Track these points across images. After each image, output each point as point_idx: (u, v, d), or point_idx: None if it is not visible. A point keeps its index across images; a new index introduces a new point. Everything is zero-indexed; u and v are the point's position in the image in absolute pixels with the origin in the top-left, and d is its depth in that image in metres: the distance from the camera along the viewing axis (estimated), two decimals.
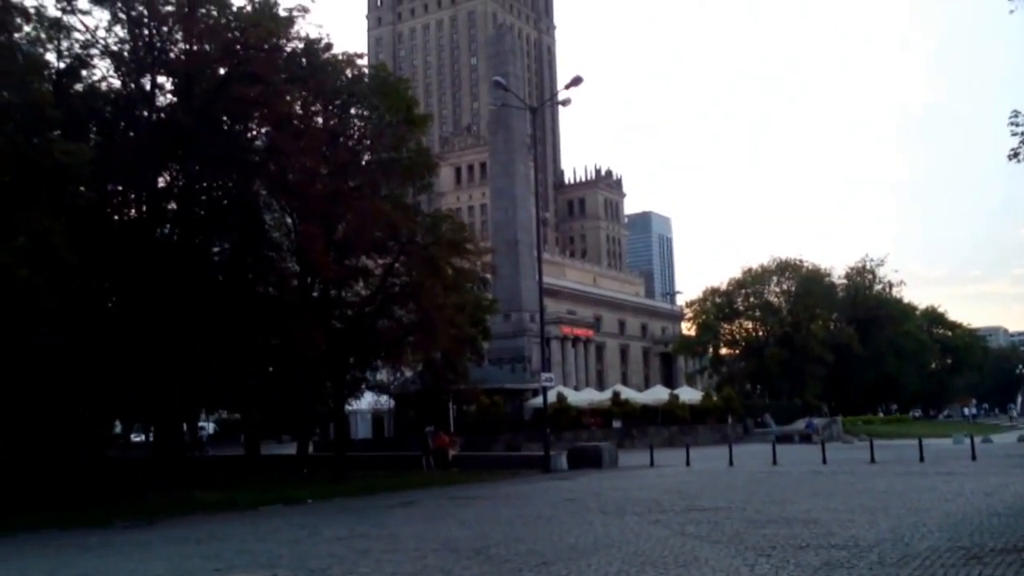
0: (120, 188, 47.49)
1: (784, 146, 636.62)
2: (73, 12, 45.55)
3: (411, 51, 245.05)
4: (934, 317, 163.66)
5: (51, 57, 45.42)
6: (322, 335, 46.81)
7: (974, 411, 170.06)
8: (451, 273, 53.50)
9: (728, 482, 36.16)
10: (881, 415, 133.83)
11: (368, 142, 54.88)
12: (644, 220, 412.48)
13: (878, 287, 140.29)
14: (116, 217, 48.22)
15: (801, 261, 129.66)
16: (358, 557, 18.55)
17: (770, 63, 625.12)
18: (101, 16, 47.03)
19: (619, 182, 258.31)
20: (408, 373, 62.97)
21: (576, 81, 51.10)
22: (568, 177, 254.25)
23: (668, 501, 27.90)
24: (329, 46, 51.32)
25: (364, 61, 55.21)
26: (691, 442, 67.11)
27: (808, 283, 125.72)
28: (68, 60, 46.11)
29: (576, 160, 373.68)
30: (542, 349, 59.19)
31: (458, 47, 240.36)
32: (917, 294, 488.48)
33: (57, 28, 44.88)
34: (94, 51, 47.01)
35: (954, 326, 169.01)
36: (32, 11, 44.05)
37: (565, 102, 56.62)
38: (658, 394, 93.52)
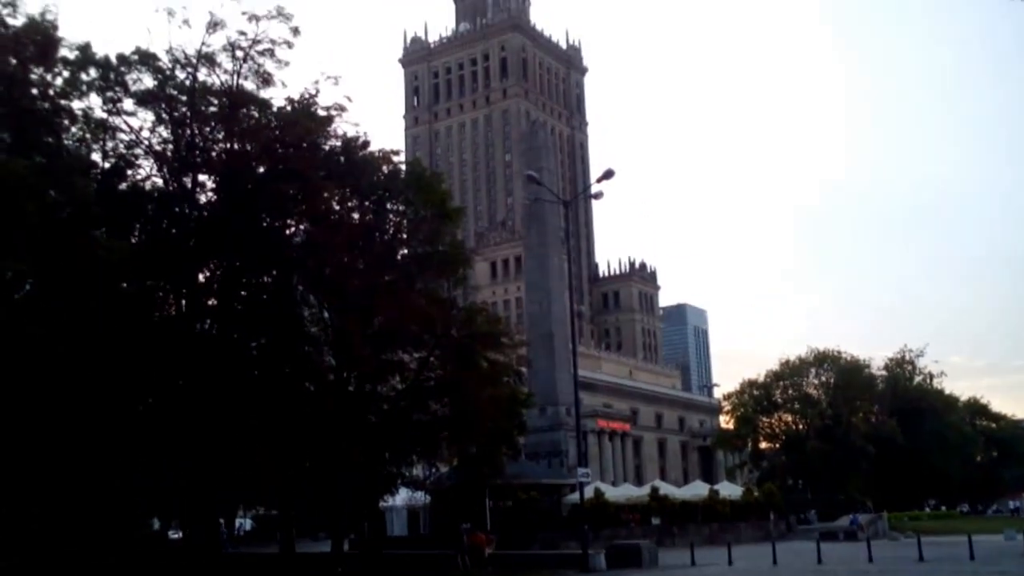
0: (161, 283, 47.91)
1: (819, 236, 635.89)
2: (118, 113, 46.78)
3: (447, 148, 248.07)
4: (977, 409, 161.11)
5: (97, 157, 46.57)
6: (358, 432, 46.68)
7: (1018, 504, 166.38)
8: (486, 367, 53.28)
9: None
10: (927, 510, 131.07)
11: (404, 236, 55.31)
12: (679, 312, 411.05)
13: (919, 378, 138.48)
14: (157, 313, 48.57)
15: (839, 352, 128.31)
16: None
17: (802, 155, 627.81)
18: (145, 117, 48.13)
19: (653, 274, 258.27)
20: (444, 468, 62.44)
21: (608, 175, 51.38)
22: (602, 270, 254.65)
23: None
24: (366, 144, 52.11)
25: (400, 157, 56.00)
26: (733, 540, 65.70)
27: (848, 375, 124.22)
28: (113, 159, 47.17)
29: (610, 253, 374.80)
30: (578, 443, 58.50)
31: (493, 144, 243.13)
32: (959, 385, 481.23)
33: (103, 129, 46.05)
34: (138, 151, 48.15)
35: (998, 417, 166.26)
36: (79, 113, 45.25)
37: (598, 195, 56.92)
38: (697, 489, 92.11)
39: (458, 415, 51.37)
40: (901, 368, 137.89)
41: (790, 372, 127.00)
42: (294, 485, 50.45)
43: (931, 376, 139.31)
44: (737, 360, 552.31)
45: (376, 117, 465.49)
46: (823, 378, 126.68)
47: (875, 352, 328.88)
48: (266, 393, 46.45)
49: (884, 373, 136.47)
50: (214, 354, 45.54)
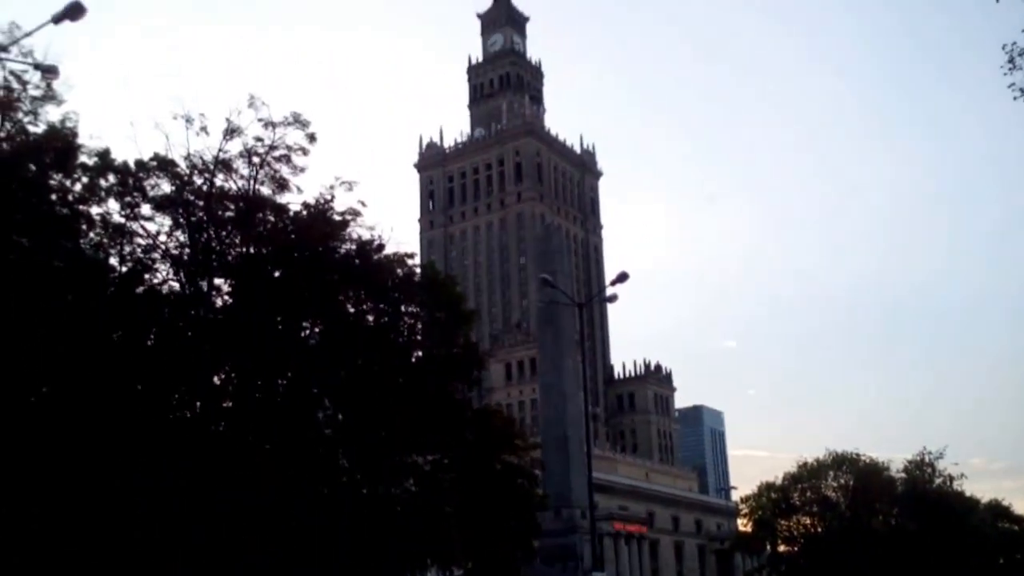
0: (175, 386, 48.14)
1: (837, 338, 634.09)
2: (136, 218, 47.52)
3: (462, 251, 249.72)
4: (999, 511, 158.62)
5: (114, 261, 47.14)
6: (372, 535, 46.45)
7: None
8: (500, 469, 53.20)
9: None
10: None
11: (418, 338, 55.64)
12: (695, 414, 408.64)
13: (939, 480, 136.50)
14: (171, 415, 48.72)
15: (858, 454, 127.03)
16: None
17: (819, 257, 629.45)
18: (163, 221, 48.87)
19: (669, 376, 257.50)
20: (458, 572, 61.86)
21: (622, 277, 51.72)
22: (618, 372, 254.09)
23: None
24: (381, 247, 52.75)
25: (415, 260, 56.56)
26: None
27: (867, 477, 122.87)
28: (130, 263, 47.76)
29: (625, 354, 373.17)
30: (593, 547, 57.98)
31: (507, 247, 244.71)
32: (979, 487, 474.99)
33: (121, 233, 46.78)
34: (155, 255, 48.73)
35: (1020, 520, 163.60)
36: (97, 218, 46.04)
37: (612, 298, 57.22)
38: None
39: (472, 518, 51.07)
40: (920, 470, 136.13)
41: (808, 474, 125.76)
42: None
43: (951, 478, 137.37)
44: (754, 462, 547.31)
45: (391, 218, 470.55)
46: (842, 480, 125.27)
47: (894, 454, 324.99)
48: (279, 495, 46.30)
49: (903, 475, 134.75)
50: (227, 455, 45.54)
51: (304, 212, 50.51)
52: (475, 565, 58.77)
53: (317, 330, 52.46)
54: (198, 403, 48.71)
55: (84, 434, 37.76)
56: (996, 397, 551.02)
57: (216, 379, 50.08)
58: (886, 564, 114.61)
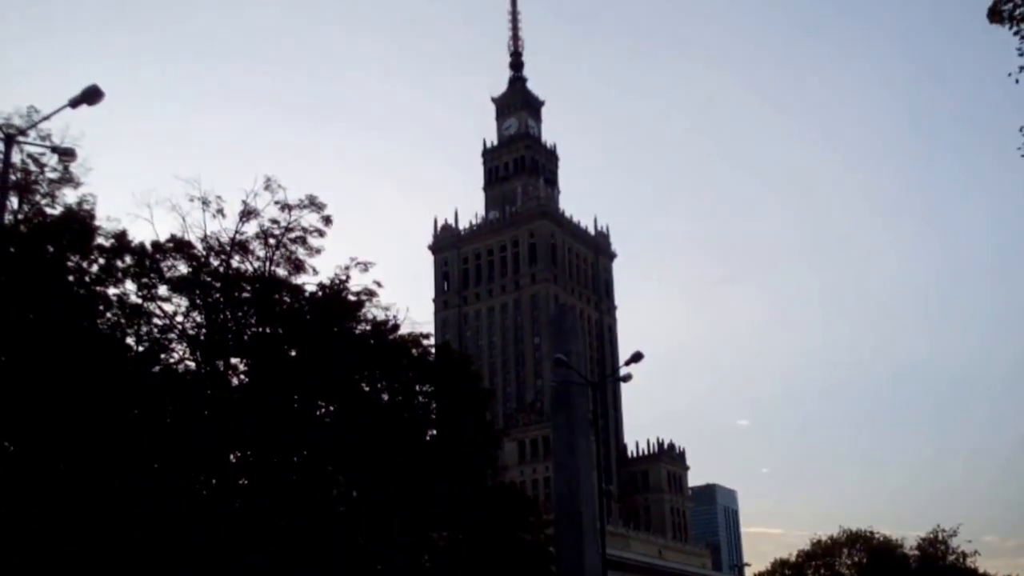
0: (192, 465, 48.51)
1: (847, 415, 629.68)
2: (153, 299, 48.28)
3: (476, 331, 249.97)
4: None
5: (131, 340, 47.73)
6: None
7: None
8: (513, 545, 53.22)
9: None
10: None
11: (433, 417, 56.00)
12: (708, 492, 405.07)
13: (952, 558, 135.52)
14: (187, 493, 49.01)
15: (872, 532, 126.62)
16: None
17: (826, 332, 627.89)
18: (179, 302, 49.57)
19: (682, 455, 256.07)
20: None
21: (636, 357, 52.11)
22: (631, 450, 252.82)
23: None
24: (396, 327, 53.41)
25: (430, 340, 57.10)
26: None
27: (880, 555, 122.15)
28: (147, 343, 48.35)
29: (639, 433, 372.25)
30: None
31: (522, 328, 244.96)
32: (994, 564, 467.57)
33: (137, 314, 47.46)
34: (172, 335, 49.38)
35: None
36: (114, 298, 46.73)
37: (626, 378, 57.56)
38: None
39: None
40: (934, 547, 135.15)
41: (822, 552, 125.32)
42: None
43: (964, 555, 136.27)
44: (768, 540, 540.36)
45: (406, 299, 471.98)
46: (855, 558, 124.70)
47: (908, 531, 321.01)
48: (295, 572, 46.47)
49: (917, 553, 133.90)
50: (244, 532, 45.74)
51: (320, 293, 51.30)
52: None
53: (332, 408, 52.87)
54: (214, 480, 49.02)
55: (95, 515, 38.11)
56: (1011, 474, 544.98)
57: (232, 457, 50.42)
58: None
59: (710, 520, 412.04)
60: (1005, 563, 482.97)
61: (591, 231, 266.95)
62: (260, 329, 50.63)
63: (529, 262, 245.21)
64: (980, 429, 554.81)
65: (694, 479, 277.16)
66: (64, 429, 39.07)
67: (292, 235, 50.98)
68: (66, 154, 38.70)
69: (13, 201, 42.62)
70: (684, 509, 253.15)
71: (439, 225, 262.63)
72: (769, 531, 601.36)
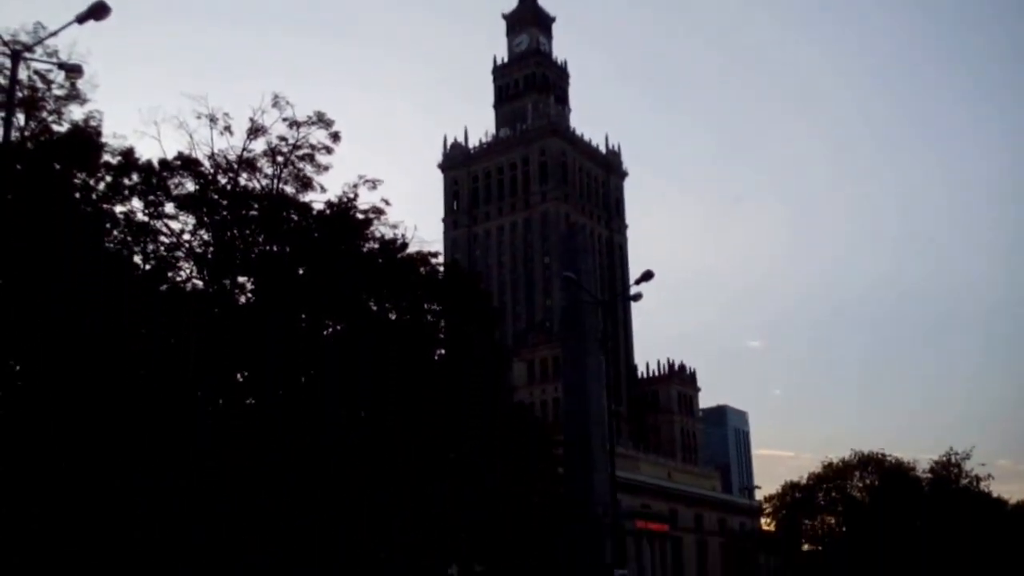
0: (197, 384, 48.38)
1: (863, 335, 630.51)
2: (160, 217, 47.84)
3: (485, 251, 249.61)
4: None
5: (137, 259, 47.41)
6: (398, 539, 46.62)
7: None
8: (525, 466, 53.27)
9: None
10: None
11: (442, 337, 55.72)
12: (719, 414, 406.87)
13: (965, 481, 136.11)
14: (191, 413, 48.98)
15: (884, 455, 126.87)
16: None
17: (843, 252, 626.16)
18: (187, 220, 49.15)
19: (693, 376, 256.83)
20: (479, 568, 61.95)
21: (647, 276, 51.79)
22: (641, 371, 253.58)
23: None
24: (404, 245, 52.91)
25: (438, 259, 56.65)
26: None
27: (892, 478, 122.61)
28: (153, 262, 48.04)
29: (649, 354, 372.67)
30: (615, 545, 58.07)
31: (531, 247, 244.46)
32: (1007, 488, 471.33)
33: (144, 232, 47.04)
34: (179, 253, 49.03)
35: None
36: (121, 216, 46.31)
37: (636, 297, 57.24)
38: None
39: (496, 515, 51.17)
40: (947, 471, 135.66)
41: (833, 475, 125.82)
42: None
43: (978, 479, 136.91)
44: (779, 462, 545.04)
45: (414, 218, 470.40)
46: (867, 481, 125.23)
47: (920, 454, 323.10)
48: (300, 497, 46.53)
49: (929, 476, 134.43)
50: (248, 454, 45.72)
51: (328, 211, 50.78)
52: (497, 564, 58.89)
53: (340, 328, 52.63)
54: (220, 399, 48.99)
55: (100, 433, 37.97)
56: None
57: (239, 376, 50.36)
58: (911, 565, 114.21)
59: (720, 442, 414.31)
60: (1020, 487, 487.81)
61: (602, 149, 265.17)
62: (267, 247, 50.23)
63: (539, 180, 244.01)
64: (999, 352, 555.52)
65: (705, 401, 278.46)
66: (72, 348, 38.83)
67: (300, 152, 50.38)
68: (73, 71, 38.29)
69: (19, 118, 42.19)
70: (694, 431, 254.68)
71: (449, 143, 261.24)
72: (780, 454, 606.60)
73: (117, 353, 39.07)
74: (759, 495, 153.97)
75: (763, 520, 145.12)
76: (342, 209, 50.73)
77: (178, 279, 49.56)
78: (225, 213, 48.91)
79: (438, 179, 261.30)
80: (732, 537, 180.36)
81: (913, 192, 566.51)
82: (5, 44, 37.73)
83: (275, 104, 48.95)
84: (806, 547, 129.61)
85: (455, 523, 53.24)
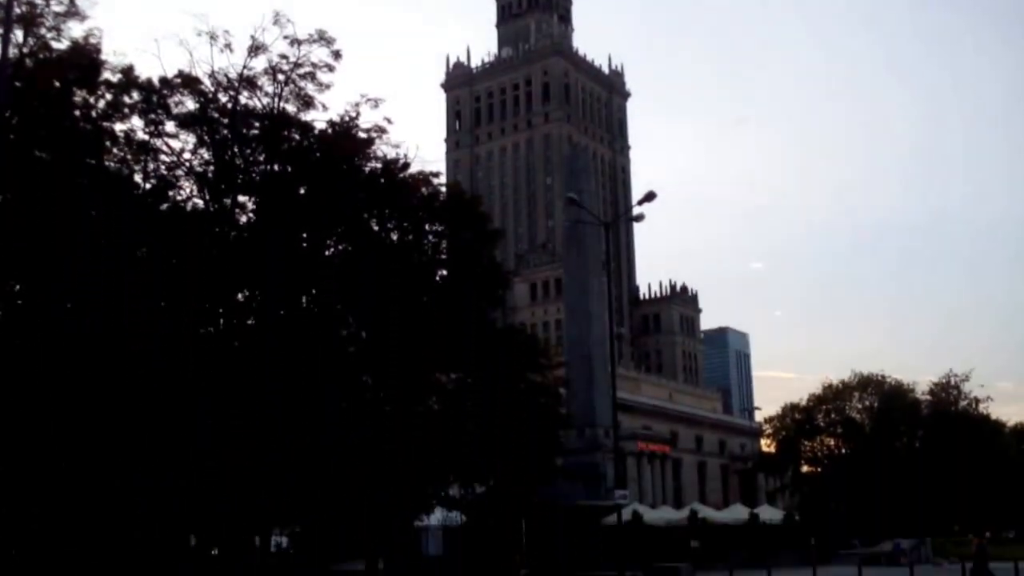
0: (199, 303, 48.33)
1: (864, 260, 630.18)
2: (160, 136, 47.42)
3: (488, 172, 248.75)
4: None
5: (138, 178, 47.15)
6: (394, 452, 46.83)
7: None
8: (524, 388, 53.34)
9: None
10: (972, 535, 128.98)
11: (443, 257, 55.55)
12: (721, 336, 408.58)
13: (964, 403, 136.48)
14: (195, 330, 48.99)
15: (883, 376, 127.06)
16: None
17: (848, 179, 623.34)
18: (187, 139, 48.71)
19: (695, 298, 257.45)
20: (480, 489, 62.46)
21: (649, 197, 51.52)
22: (643, 293, 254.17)
23: None
24: (406, 165, 52.47)
25: (440, 179, 56.22)
26: (772, 564, 65.37)
27: (891, 399, 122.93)
28: (154, 181, 47.78)
29: (651, 275, 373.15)
30: (616, 465, 58.55)
31: (534, 168, 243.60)
32: (1007, 411, 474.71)
33: (145, 151, 46.71)
34: (179, 172, 48.74)
35: None
36: (121, 135, 45.91)
37: (638, 218, 57.06)
38: (737, 513, 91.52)
39: (495, 436, 51.39)
40: (946, 393, 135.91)
41: (833, 396, 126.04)
42: (329, 504, 50.62)
43: (977, 401, 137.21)
44: (779, 385, 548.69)
45: (417, 138, 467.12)
46: (867, 402, 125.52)
47: (920, 377, 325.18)
48: (302, 411, 46.75)
49: (929, 398, 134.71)
50: (250, 371, 45.87)
51: (329, 130, 50.23)
52: (497, 482, 59.30)
53: (341, 248, 52.47)
54: (221, 320, 49.00)
55: (105, 348, 37.97)
56: None
57: (240, 296, 50.32)
58: (909, 486, 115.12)
59: (721, 364, 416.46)
60: (1018, 409, 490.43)
61: (605, 70, 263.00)
62: (268, 166, 49.83)
63: (542, 101, 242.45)
64: (1002, 276, 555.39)
65: (706, 322, 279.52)
66: (73, 266, 38.71)
67: (301, 71, 49.63)
68: None
69: (18, 34, 41.52)
70: (696, 352, 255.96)
71: (451, 63, 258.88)
72: (781, 375, 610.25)
73: (117, 350, 38.89)
74: (759, 416, 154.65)
75: (763, 441, 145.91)
76: (344, 128, 50.17)
77: (179, 198, 49.28)
78: (226, 132, 48.45)
79: (440, 101, 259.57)
80: (732, 458, 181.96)
81: (926, 116, 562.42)
82: None
83: (276, 22, 48.19)
84: (805, 468, 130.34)
85: (453, 443, 53.54)
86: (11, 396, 37.31)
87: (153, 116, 47.18)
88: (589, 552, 69.56)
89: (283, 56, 48.94)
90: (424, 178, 53.66)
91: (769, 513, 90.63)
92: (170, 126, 47.80)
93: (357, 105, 50.54)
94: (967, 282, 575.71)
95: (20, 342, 39.88)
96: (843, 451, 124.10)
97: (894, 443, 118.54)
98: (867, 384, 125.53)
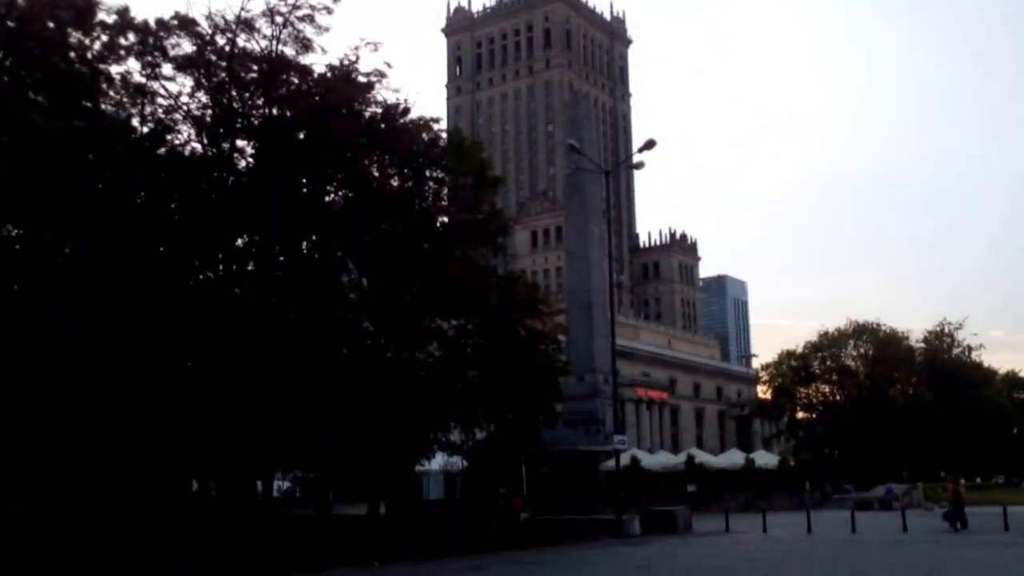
0: (198, 248, 48.18)
1: (863, 210, 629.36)
2: (157, 78, 46.90)
3: (488, 118, 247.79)
4: (1015, 382, 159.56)
5: (135, 121, 46.75)
6: (395, 397, 46.97)
7: None
8: (524, 334, 53.36)
9: (807, 551, 35.28)
10: (963, 481, 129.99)
11: (443, 204, 55.31)
12: (719, 284, 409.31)
13: (957, 351, 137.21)
14: (195, 276, 48.90)
15: (878, 324, 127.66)
16: None
17: (849, 128, 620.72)
18: (184, 82, 48.18)
19: (694, 246, 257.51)
20: (480, 434, 62.74)
21: (649, 144, 51.35)
22: (643, 240, 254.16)
23: (744, 571, 27.21)
24: (406, 111, 51.99)
25: (441, 125, 55.74)
26: (767, 507, 65.89)
27: (886, 347, 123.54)
28: (151, 124, 47.37)
29: (651, 223, 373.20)
30: (615, 411, 58.75)
31: (535, 115, 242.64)
32: (998, 359, 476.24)
33: (141, 93, 46.23)
34: (177, 116, 48.22)
35: None
36: (117, 77, 45.45)
37: (639, 165, 56.89)
38: (733, 458, 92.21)
39: (495, 382, 51.51)
40: (940, 340, 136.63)
41: (829, 343, 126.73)
42: (330, 448, 50.83)
43: (969, 349, 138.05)
44: (776, 332, 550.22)
45: (417, 86, 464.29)
46: (861, 350, 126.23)
47: (914, 325, 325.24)
48: (303, 357, 46.81)
49: (923, 345, 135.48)
50: (251, 317, 45.84)
51: (328, 74, 49.70)
52: (497, 428, 59.55)
53: (341, 194, 52.24)
54: (220, 266, 48.89)
55: (104, 294, 37.89)
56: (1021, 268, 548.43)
57: (239, 241, 50.16)
58: (902, 432, 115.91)
59: (720, 312, 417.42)
60: (1010, 357, 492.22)
61: (607, 16, 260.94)
62: (267, 111, 49.35)
63: (544, 47, 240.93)
64: (997, 225, 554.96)
65: (705, 271, 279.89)
66: (71, 210, 38.53)
67: (300, 13, 48.93)
68: None
69: None
70: (694, 300, 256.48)
71: (452, 8, 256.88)
72: (779, 323, 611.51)
73: (118, 299, 38.71)
74: (756, 364, 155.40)
75: (759, 388, 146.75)
76: (343, 72, 49.68)
77: (176, 142, 48.91)
78: (223, 75, 47.92)
79: (441, 47, 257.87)
80: (729, 405, 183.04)
81: (929, 53, 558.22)
82: None
83: None
84: (801, 415, 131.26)
85: (453, 389, 53.70)
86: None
87: (150, 58, 46.58)
88: (588, 496, 70.11)
89: None
90: (424, 124, 53.21)
91: (765, 459, 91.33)
92: (167, 69, 47.26)
93: (356, 49, 50.03)
94: (965, 231, 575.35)
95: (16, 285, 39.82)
96: (838, 398, 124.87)
97: (888, 390, 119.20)
98: (862, 332, 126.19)
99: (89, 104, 42.20)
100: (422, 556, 38.43)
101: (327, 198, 52.79)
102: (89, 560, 34.41)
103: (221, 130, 48.63)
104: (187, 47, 47.40)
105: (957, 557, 29.77)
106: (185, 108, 48.00)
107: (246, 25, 48.04)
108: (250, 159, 50.62)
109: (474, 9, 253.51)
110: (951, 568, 26.26)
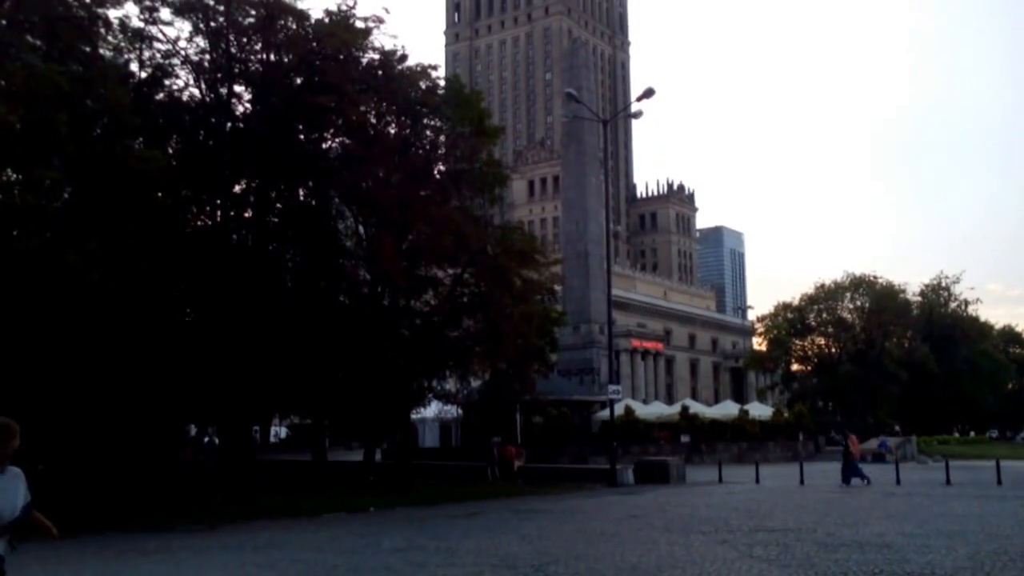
0: (196, 194, 48.09)
1: (861, 162, 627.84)
2: (155, 23, 46.51)
3: (487, 66, 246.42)
4: (1011, 336, 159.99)
5: (134, 67, 46.48)
6: (391, 344, 47.14)
7: None
8: (520, 284, 53.36)
9: (799, 501, 35.57)
10: (957, 435, 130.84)
11: (440, 152, 55.13)
12: (716, 235, 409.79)
13: (954, 305, 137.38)
14: (193, 223, 48.87)
15: (875, 277, 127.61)
16: (414, 570, 18.46)
17: (848, 79, 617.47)
18: (182, 27, 47.92)
19: (691, 196, 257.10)
20: (476, 383, 63.05)
21: (648, 93, 51.12)
22: (640, 191, 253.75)
23: (736, 520, 27.44)
24: (404, 57, 51.69)
25: (438, 73, 55.43)
26: (761, 459, 66.35)
27: (882, 299, 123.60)
28: (150, 69, 47.11)
29: (649, 174, 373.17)
30: (610, 361, 58.90)
31: (533, 62, 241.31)
32: (995, 313, 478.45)
33: (139, 38, 45.88)
34: (175, 61, 48.00)
35: None
36: (115, 21, 45.06)
37: (637, 114, 56.61)
38: (728, 409, 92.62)
39: (491, 331, 51.61)
40: (936, 294, 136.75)
41: (825, 296, 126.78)
42: (327, 395, 51.10)
43: (966, 303, 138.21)
44: (772, 284, 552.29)
45: (415, 32, 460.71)
46: (858, 303, 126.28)
47: (911, 278, 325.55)
48: (300, 304, 46.89)
49: (919, 299, 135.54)
50: (249, 264, 45.89)
51: (326, 19, 49.38)
52: (492, 377, 59.81)
53: (338, 140, 52.09)
54: (218, 212, 48.85)
55: (102, 243, 37.81)
56: (1020, 221, 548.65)
57: (237, 188, 50.08)
58: (897, 385, 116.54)
59: (716, 263, 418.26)
60: (1007, 311, 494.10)
61: None
62: (265, 56, 49.09)
63: None
64: (998, 177, 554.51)
65: (703, 222, 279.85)
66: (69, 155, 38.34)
67: None
68: None
69: None
70: (691, 251, 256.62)
71: None
72: (776, 275, 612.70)
73: (116, 239, 38.56)
74: (752, 315, 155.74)
75: (755, 340, 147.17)
76: (341, 17, 49.34)
77: (175, 88, 48.75)
78: (221, 20, 47.55)
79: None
80: (724, 356, 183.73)
81: (931, 15, 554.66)
82: None
83: None
84: (796, 367, 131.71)
85: (449, 337, 53.86)
86: None
87: (148, 3, 46.19)
88: (582, 446, 70.67)
89: None
90: (423, 71, 52.88)
91: (759, 410, 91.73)
92: (165, 13, 46.85)
93: None
94: (965, 184, 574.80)
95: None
96: (833, 351, 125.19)
97: (884, 343, 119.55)
98: (859, 285, 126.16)
99: (87, 48, 41.83)
100: (417, 502, 38.74)
101: (325, 145, 52.67)
102: (97, 505, 34.53)
103: (219, 75, 48.46)
104: None
105: (950, 510, 30.04)
106: (183, 53, 47.81)
107: None
108: (247, 104, 50.44)
109: None
110: (944, 520, 26.50)
